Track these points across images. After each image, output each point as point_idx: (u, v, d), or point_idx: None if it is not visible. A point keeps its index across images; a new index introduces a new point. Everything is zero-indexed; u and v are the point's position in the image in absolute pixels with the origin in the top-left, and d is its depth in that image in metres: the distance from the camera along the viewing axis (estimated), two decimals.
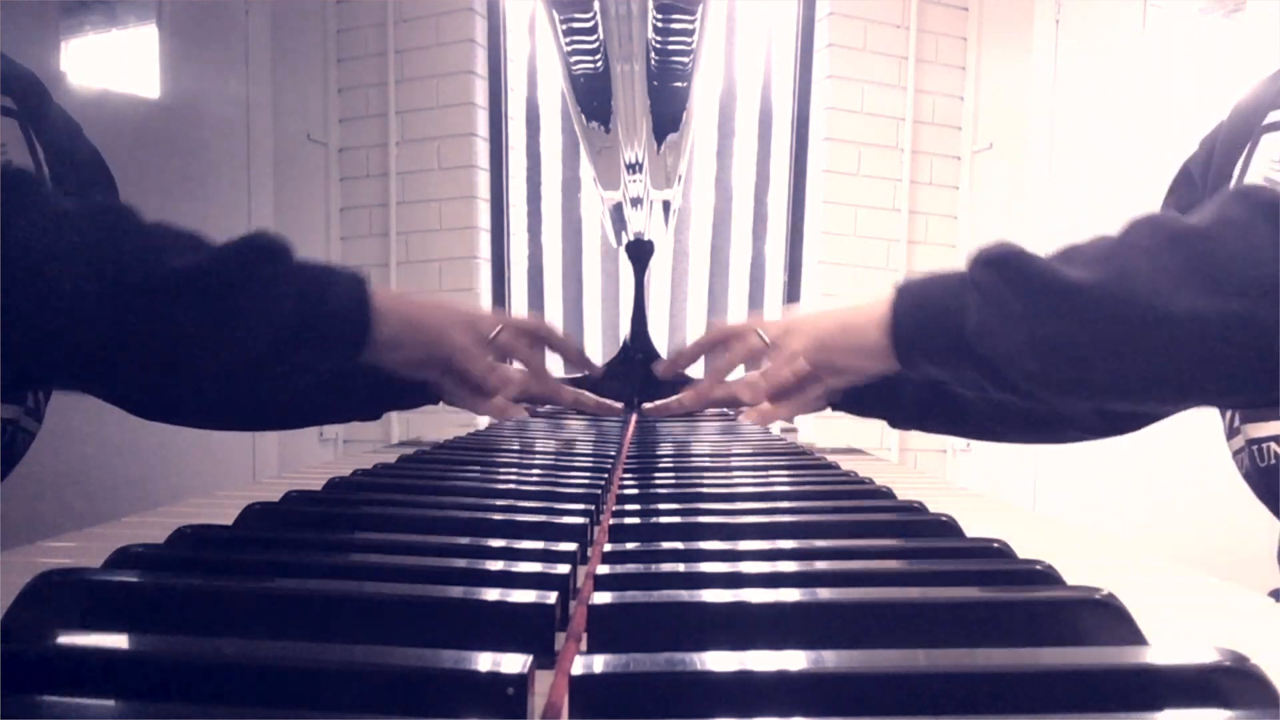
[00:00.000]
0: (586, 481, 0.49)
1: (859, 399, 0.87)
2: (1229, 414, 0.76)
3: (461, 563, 0.30)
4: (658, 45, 1.01)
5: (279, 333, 0.56)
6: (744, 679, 0.20)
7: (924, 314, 0.63)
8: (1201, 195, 0.81)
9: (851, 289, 2.27)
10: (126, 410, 0.80)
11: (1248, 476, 0.75)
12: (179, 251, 0.54)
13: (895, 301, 0.65)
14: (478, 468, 0.59)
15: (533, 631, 0.24)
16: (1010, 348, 0.57)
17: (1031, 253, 0.58)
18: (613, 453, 0.65)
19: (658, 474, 0.55)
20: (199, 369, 0.55)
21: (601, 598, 0.25)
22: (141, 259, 0.52)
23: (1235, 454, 0.76)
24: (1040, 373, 0.57)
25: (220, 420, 0.88)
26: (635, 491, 0.46)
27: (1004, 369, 0.58)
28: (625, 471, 0.56)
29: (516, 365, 0.75)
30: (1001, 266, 0.58)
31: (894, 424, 0.90)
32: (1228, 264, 0.51)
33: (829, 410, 0.90)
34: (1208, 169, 0.80)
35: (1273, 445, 0.71)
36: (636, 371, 1.32)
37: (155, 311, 0.52)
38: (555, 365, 0.83)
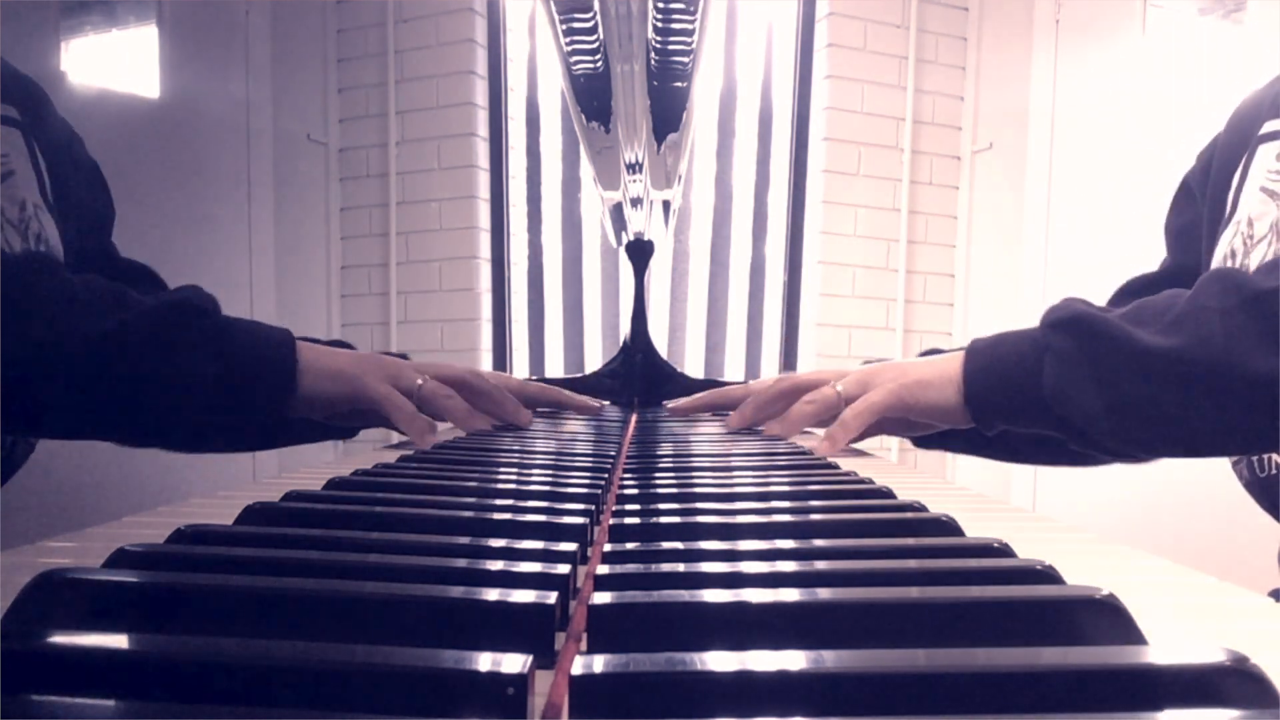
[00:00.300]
0: (586, 481, 0.49)
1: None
2: None
3: (461, 562, 0.30)
4: (658, 45, 1.01)
5: (201, 390, 0.59)
6: (744, 679, 0.20)
7: (997, 379, 0.64)
8: (1201, 208, 0.81)
9: (851, 289, 2.27)
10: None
11: (1249, 486, 0.75)
12: (100, 312, 0.55)
13: (966, 365, 0.66)
14: (478, 468, 0.59)
15: (533, 631, 0.24)
16: (1088, 410, 0.59)
17: (1102, 313, 0.60)
18: (613, 453, 0.65)
19: (658, 474, 0.55)
20: (128, 422, 0.59)
21: (601, 598, 0.25)
22: (60, 319, 0.54)
23: (1234, 464, 0.76)
24: (1119, 431, 0.59)
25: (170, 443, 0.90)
26: (635, 491, 0.46)
27: (1084, 428, 0.60)
28: (625, 471, 0.56)
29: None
30: (1073, 329, 0.59)
31: (920, 444, 0.89)
32: None
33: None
34: (1206, 181, 0.80)
35: (1273, 455, 0.71)
36: (636, 372, 1.32)
37: (76, 371, 0.55)
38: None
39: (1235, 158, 0.76)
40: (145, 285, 0.81)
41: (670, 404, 1.10)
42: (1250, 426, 0.55)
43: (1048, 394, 0.60)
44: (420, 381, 0.73)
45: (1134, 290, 0.84)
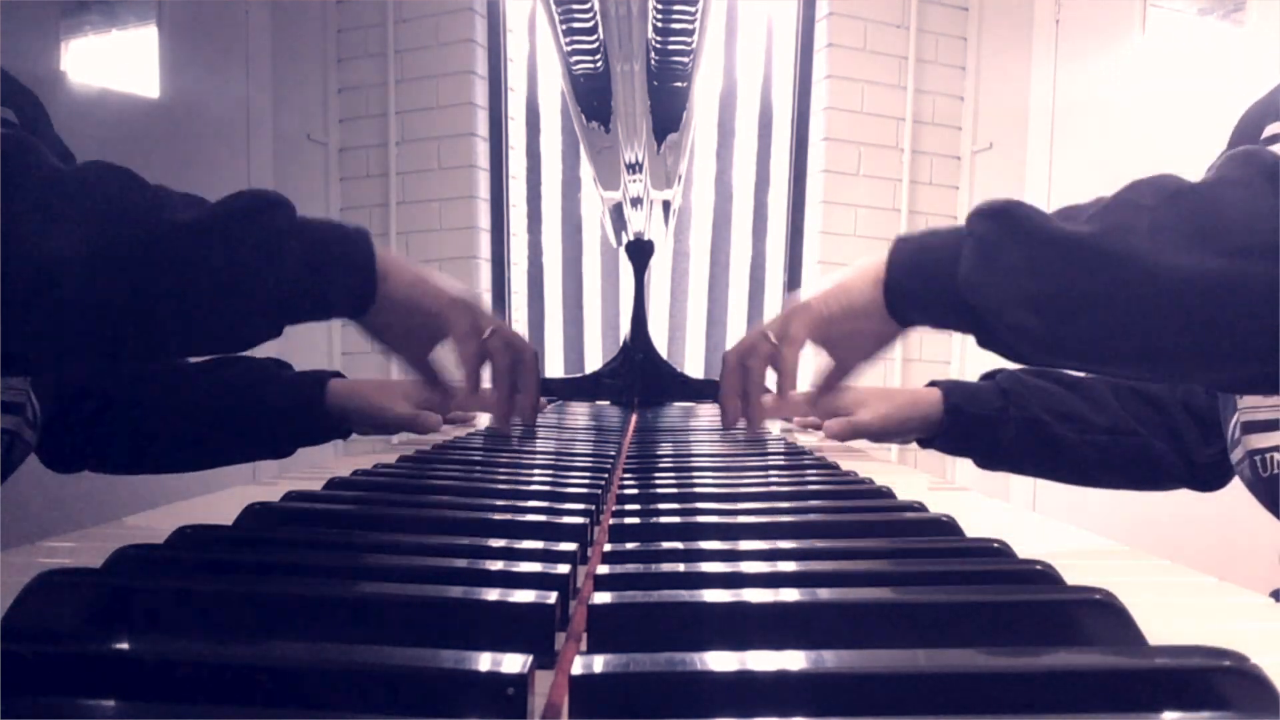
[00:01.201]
0: (586, 481, 0.49)
1: (952, 438, 0.86)
2: (1230, 424, 0.75)
3: (462, 562, 0.30)
4: (658, 45, 1.01)
5: (286, 283, 0.55)
6: (744, 679, 0.20)
7: (916, 264, 0.62)
8: None
9: None
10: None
11: (1250, 486, 0.74)
12: (181, 206, 0.53)
13: (891, 253, 0.64)
14: (478, 468, 0.59)
15: (533, 631, 0.24)
16: (1000, 298, 0.55)
17: (1031, 206, 0.56)
18: (613, 453, 0.65)
19: (658, 474, 0.55)
20: (206, 324, 0.54)
21: (601, 598, 0.25)
22: (143, 213, 0.52)
23: (1236, 464, 0.76)
24: (1028, 327, 0.55)
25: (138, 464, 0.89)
26: (635, 491, 0.46)
27: (992, 321, 0.56)
28: (625, 471, 0.56)
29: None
30: (999, 217, 0.56)
31: (985, 466, 0.88)
32: (1227, 222, 0.49)
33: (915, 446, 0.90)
34: None
35: (1275, 455, 0.70)
36: (636, 372, 1.32)
37: (160, 263, 0.51)
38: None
39: None
40: None
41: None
42: (1171, 335, 0.51)
43: (961, 279, 0.57)
44: (490, 331, 0.69)
45: None
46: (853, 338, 0.71)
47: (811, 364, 0.74)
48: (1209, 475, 0.85)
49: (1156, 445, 0.87)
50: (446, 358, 0.74)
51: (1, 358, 0.50)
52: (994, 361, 0.66)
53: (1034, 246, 0.54)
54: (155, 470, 0.91)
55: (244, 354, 0.75)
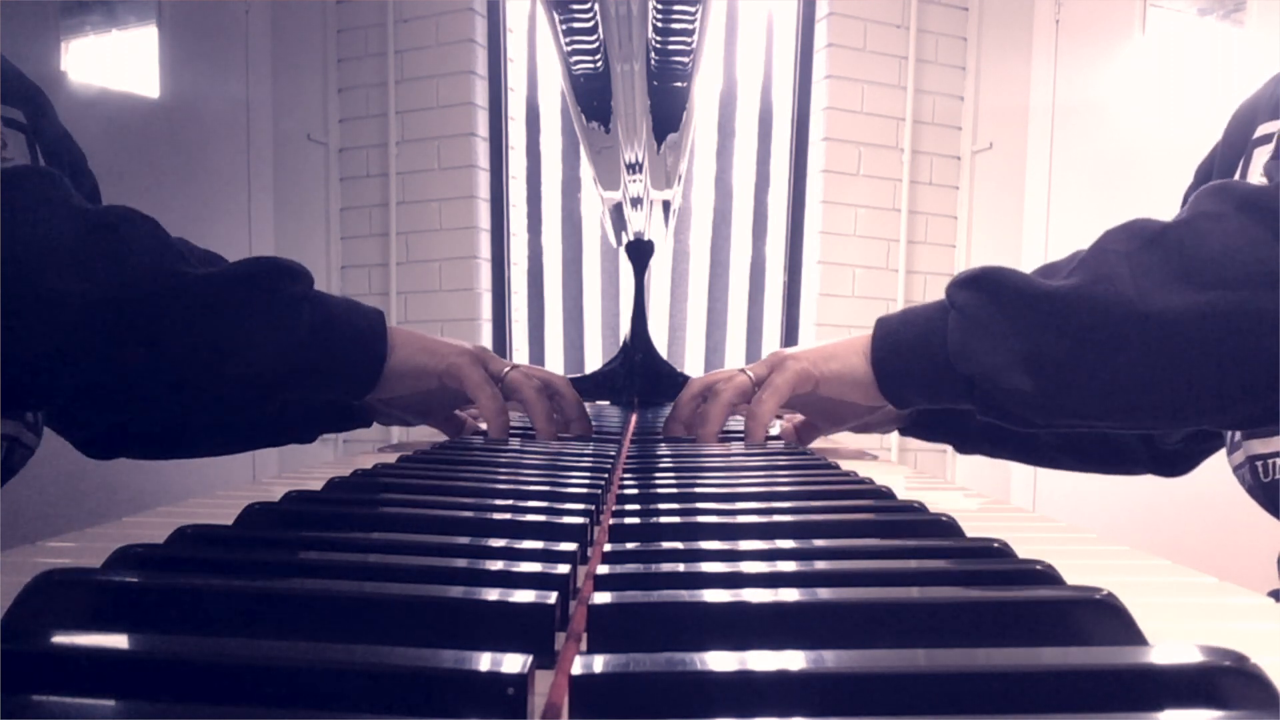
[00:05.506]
0: (586, 481, 0.49)
1: (926, 426, 0.87)
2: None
3: (461, 562, 0.30)
4: (658, 45, 1.01)
5: (291, 355, 0.55)
6: (744, 679, 0.20)
7: (901, 340, 0.62)
8: None
9: (851, 289, 2.27)
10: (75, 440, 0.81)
11: (1251, 490, 0.74)
12: (197, 262, 0.53)
13: (874, 333, 0.64)
14: (478, 468, 0.59)
15: (533, 631, 0.24)
16: (993, 364, 0.55)
17: (1009, 269, 0.56)
18: (613, 453, 0.65)
19: (658, 474, 0.55)
20: (204, 384, 0.54)
21: (601, 598, 0.25)
22: (158, 264, 0.51)
23: (1236, 469, 0.76)
24: (1025, 390, 0.54)
25: (157, 448, 0.88)
26: (635, 491, 0.46)
27: (990, 389, 0.56)
28: (625, 471, 0.56)
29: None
30: (977, 284, 0.56)
31: (962, 450, 0.88)
32: (1209, 257, 0.49)
33: (897, 434, 0.90)
34: None
35: (1275, 460, 0.70)
36: (636, 372, 1.32)
37: (168, 316, 0.51)
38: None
39: (1233, 163, 0.75)
40: None
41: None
42: (1167, 379, 0.50)
43: (951, 352, 0.57)
44: (508, 369, 0.72)
45: None
46: (839, 408, 0.71)
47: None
48: (1174, 460, 0.85)
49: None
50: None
51: (3, 389, 0.49)
52: None
53: (1019, 308, 0.54)
54: (191, 454, 0.90)
55: None
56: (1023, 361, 0.54)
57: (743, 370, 0.74)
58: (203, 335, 0.52)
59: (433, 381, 0.67)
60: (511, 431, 0.79)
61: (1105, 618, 0.25)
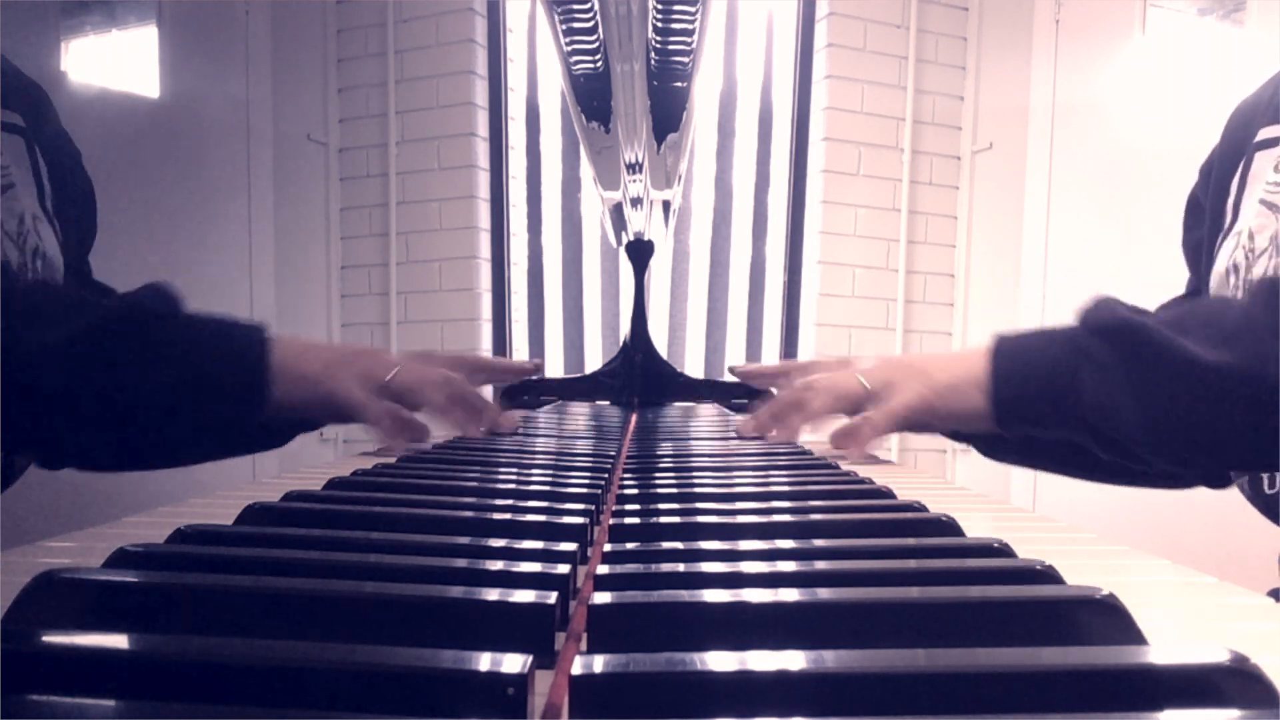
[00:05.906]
0: (586, 481, 0.49)
1: (1000, 446, 0.85)
2: None
3: (461, 562, 0.30)
4: (658, 45, 1.01)
5: (165, 392, 0.56)
6: (744, 679, 0.20)
7: (1027, 381, 0.60)
8: (1206, 221, 0.80)
9: (851, 289, 2.27)
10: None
11: (1251, 500, 0.74)
12: (56, 320, 0.54)
13: (995, 365, 0.61)
14: (478, 468, 0.59)
15: (533, 631, 0.24)
16: (1131, 424, 0.55)
17: (1143, 319, 0.55)
18: (613, 453, 0.65)
19: (658, 474, 0.55)
20: (93, 427, 0.56)
21: (601, 598, 0.25)
22: (16, 328, 0.53)
23: (1235, 479, 0.76)
24: (1163, 445, 0.55)
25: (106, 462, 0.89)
26: (635, 491, 0.46)
27: (1112, 435, 0.56)
28: (625, 471, 0.56)
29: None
30: (1115, 338, 0.55)
31: (992, 456, 0.87)
32: None
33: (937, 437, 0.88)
34: (1207, 192, 0.79)
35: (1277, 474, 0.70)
36: (636, 372, 1.32)
37: (36, 379, 0.52)
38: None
39: (1232, 165, 0.75)
40: None
41: (738, 369, 1.02)
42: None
43: (1086, 406, 0.56)
44: (390, 376, 0.67)
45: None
46: (940, 430, 0.70)
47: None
48: (1224, 474, 0.85)
49: None
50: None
51: None
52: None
53: (1167, 375, 0.53)
54: (142, 467, 0.90)
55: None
56: (1164, 425, 0.54)
57: (856, 378, 0.69)
58: (70, 390, 0.54)
59: (318, 412, 0.65)
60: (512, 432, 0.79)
61: (1105, 618, 0.25)
